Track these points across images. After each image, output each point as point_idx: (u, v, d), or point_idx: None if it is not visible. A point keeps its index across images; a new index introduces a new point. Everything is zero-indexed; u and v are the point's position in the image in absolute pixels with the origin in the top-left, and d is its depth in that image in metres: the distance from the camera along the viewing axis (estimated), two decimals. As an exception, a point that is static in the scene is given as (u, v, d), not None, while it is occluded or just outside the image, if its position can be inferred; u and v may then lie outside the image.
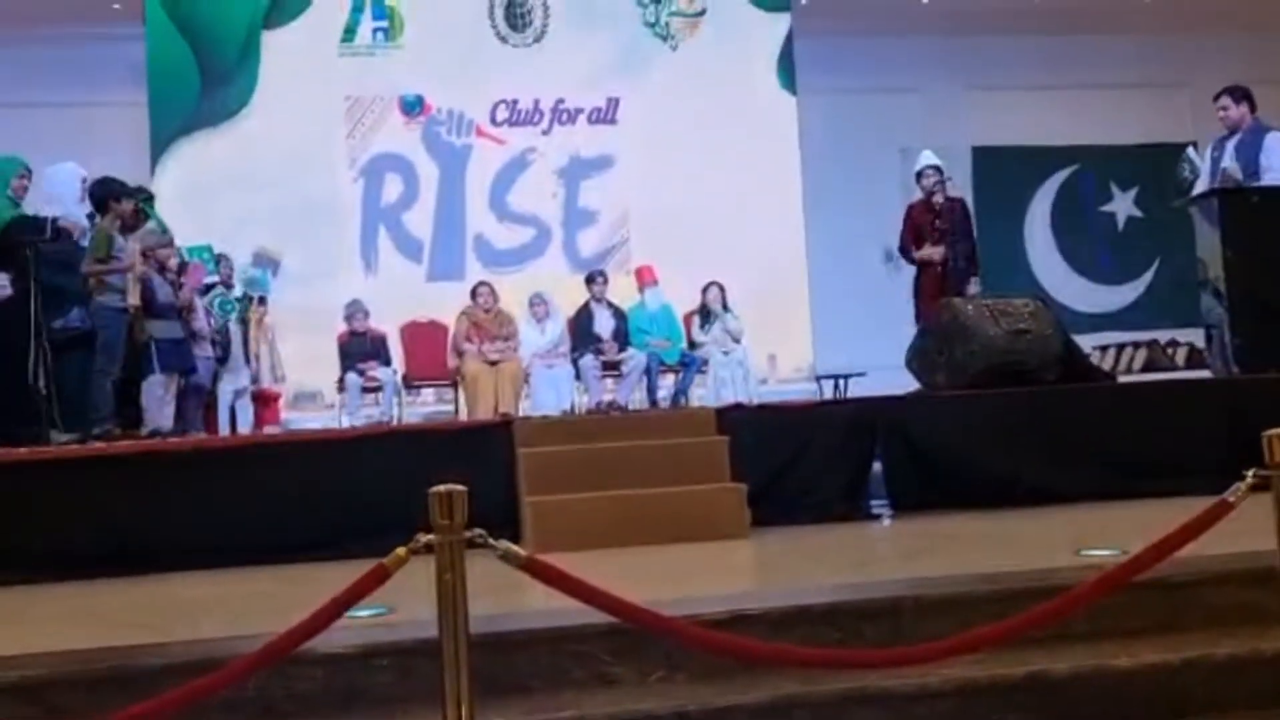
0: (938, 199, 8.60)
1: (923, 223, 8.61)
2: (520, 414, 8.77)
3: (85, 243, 7.08)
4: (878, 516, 5.56)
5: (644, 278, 10.71)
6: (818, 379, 11.51)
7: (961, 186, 10.11)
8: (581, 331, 10.14)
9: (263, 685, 2.82)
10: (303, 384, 10.77)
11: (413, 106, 11.81)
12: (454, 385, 10.09)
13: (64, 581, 4.60)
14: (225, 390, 8.86)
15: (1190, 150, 7.80)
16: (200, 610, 4.06)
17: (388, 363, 9.99)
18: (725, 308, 10.39)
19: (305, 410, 10.72)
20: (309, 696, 2.88)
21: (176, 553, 4.85)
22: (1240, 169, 6.90)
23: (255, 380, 9.48)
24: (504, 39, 11.97)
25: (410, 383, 10.31)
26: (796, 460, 5.56)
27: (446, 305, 10.51)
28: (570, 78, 11.95)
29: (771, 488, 5.38)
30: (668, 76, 12.10)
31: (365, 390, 9.75)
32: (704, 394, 9.96)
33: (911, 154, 9.15)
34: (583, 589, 2.47)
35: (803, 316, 12.00)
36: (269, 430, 9.12)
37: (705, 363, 10.11)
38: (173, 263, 7.83)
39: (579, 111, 12.05)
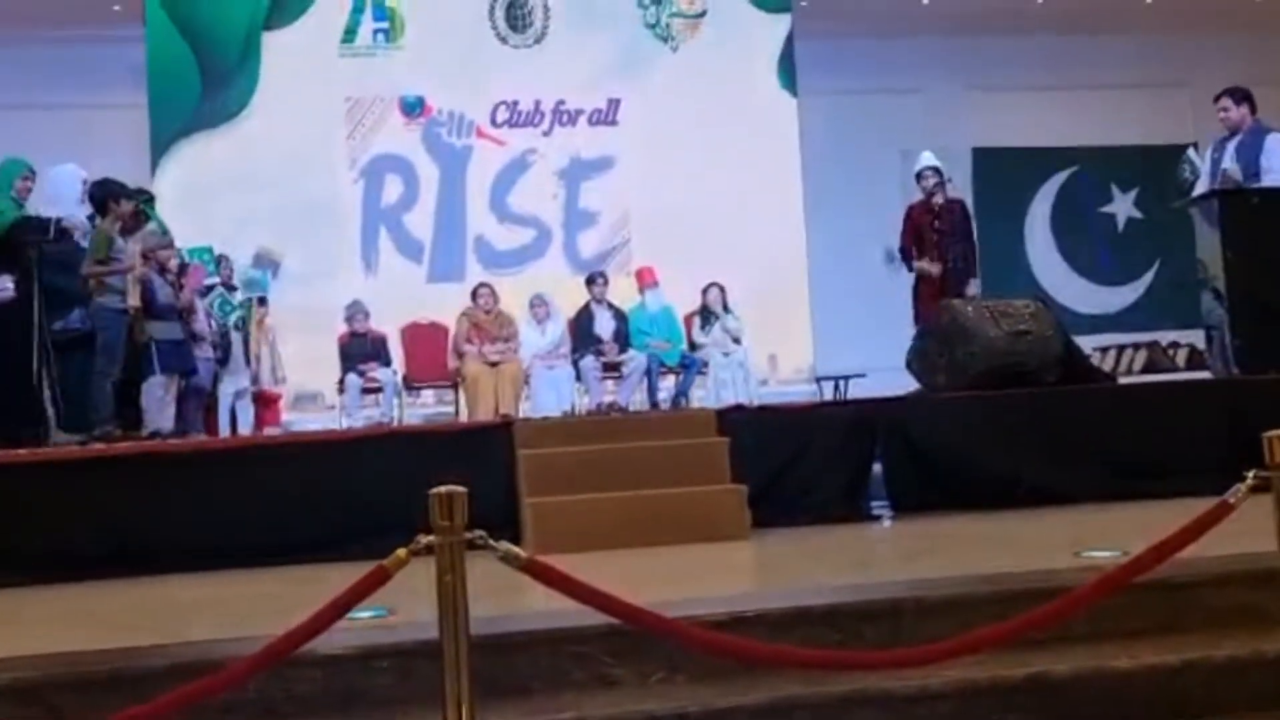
0: (937, 200, 8.61)
1: (922, 223, 8.62)
2: (520, 415, 8.77)
3: (85, 244, 7.08)
4: (878, 517, 5.56)
5: (644, 279, 10.71)
6: (818, 380, 11.51)
7: (962, 187, 10.11)
8: (582, 333, 10.14)
9: (262, 687, 2.82)
10: (303, 385, 10.77)
11: (413, 107, 11.81)
12: (454, 386, 10.09)
13: (63, 582, 4.61)
14: (225, 391, 8.85)
15: (1190, 151, 7.81)
16: (200, 611, 4.06)
17: (388, 364, 9.99)
18: (726, 309, 10.39)
19: (306, 411, 10.72)
20: (309, 698, 2.88)
21: (176, 554, 4.85)
22: (1240, 170, 6.90)
23: (255, 381, 9.48)
24: (504, 40, 11.97)
25: (410, 384, 10.31)
26: (797, 461, 5.56)
27: (447, 306, 10.52)
28: (571, 79, 11.96)
29: (772, 489, 5.38)
30: (668, 77, 12.10)
31: (365, 391, 9.75)
32: (704, 395, 9.97)
33: (912, 155, 9.16)
34: (583, 590, 2.47)
35: (803, 318, 12.00)
36: (269, 431, 9.11)
37: (705, 364, 10.11)
38: (173, 264, 7.83)
39: (579, 112, 12.06)
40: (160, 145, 11.26)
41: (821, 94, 12.44)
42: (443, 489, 2.44)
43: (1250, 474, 2.77)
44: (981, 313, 6.39)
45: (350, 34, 11.74)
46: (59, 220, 6.97)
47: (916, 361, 6.72)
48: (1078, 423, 5.78)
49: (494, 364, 9.63)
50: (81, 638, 3.38)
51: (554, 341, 10.22)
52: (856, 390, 10.47)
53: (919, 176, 8.74)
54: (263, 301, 10.13)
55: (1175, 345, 12.49)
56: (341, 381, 9.78)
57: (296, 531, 4.97)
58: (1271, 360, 6.20)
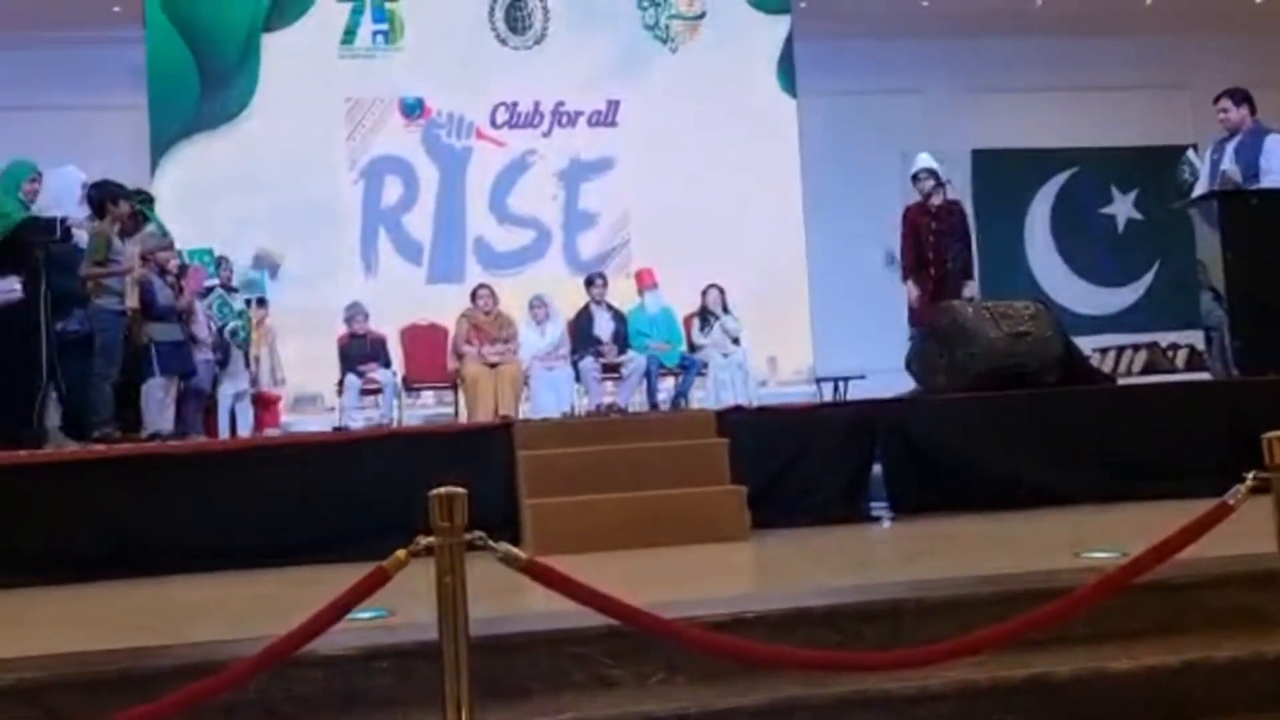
0: (934, 201, 8.62)
1: (920, 225, 8.63)
2: (520, 416, 8.77)
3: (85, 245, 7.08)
4: (878, 518, 5.56)
5: (644, 280, 10.72)
6: (817, 381, 11.52)
7: (961, 189, 10.12)
8: (581, 334, 10.14)
9: (263, 688, 2.82)
10: (303, 387, 10.77)
11: (413, 109, 11.81)
12: (454, 388, 10.09)
13: (64, 584, 4.61)
14: (225, 393, 8.85)
15: (1190, 152, 7.82)
16: (200, 613, 4.06)
17: (387, 365, 9.99)
18: (725, 310, 10.39)
19: (305, 413, 10.71)
20: (309, 699, 2.88)
21: (177, 555, 4.85)
22: (1240, 171, 6.90)
23: (255, 383, 9.48)
24: (504, 41, 11.97)
25: (410, 385, 10.31)
26: (796, 462, 5.55)
27: (446, 307, 10.52)
28: (570, 80, 11.96)
29: (771, 490, 5.38)
30: (668, 79, 12.10)
31: (365, 392, 9.74)
32: (704, 396, 9.97)
33: (911, 156, 9.15)
34: (583, 591, 2.47)
35: (803, 319, 12.00)
36: (269, 433, 9.11)
37: (705, 365, 10.12)
38: (173, 265, 7.83)
39: (579, 114, 12.06)
40: (160, 146, 11.26)
41: (821, 95, 12.44)
42: (442, 490, 2.44)
43: (1250, 475, 2.77)
44: (981, 314, 6.39)
45: (350, 35, 11.74)
46: (64, 220, 6.96)
47: (916, 362, 6.73)
48: (1077, 424, 5.78)
49: (493, 365, 9.63)
50: (82, 639, 3.38)
51: (553, 343, 10.22)
52: (856, 391, 10.48)
53: (915, 178, 8.75)
54: (262, 303, 10.14)
55: (1175, 346, 12.49)
56: (341, 383, 9.78)
57: (296, 533, 4.97)
58: (1271, 361, 6.20)
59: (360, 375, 9.70)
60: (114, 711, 2.44)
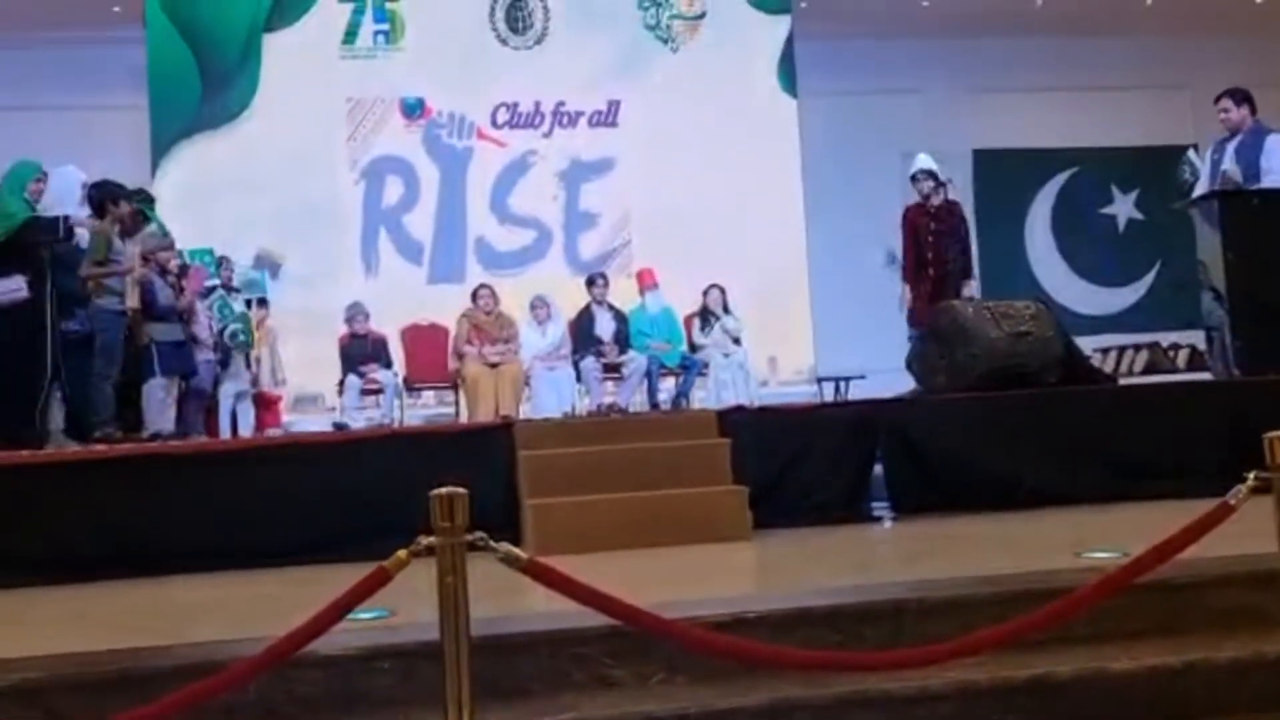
0: (934, 201, 8.62)
1: (919, 226, 8.64)
2: (521, 416, 8.76)
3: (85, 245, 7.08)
4: (879, 519, 5.56)
5: (645, 280, 10.72)
6: (818, 381, 11.52)
7: (962, 189, 10.12)
8: (582, 334, 10.13)
9: (264, 688, 2.82)
10: (304, 387, 10.77)
11: (413, 109, 11.82)
12: (454, 388, 10.09)
13: (64, 584, 4.60)
14: (226, 393, 8.85)
15: (1191, 153, 7.81)
16: (201, 613, 4.06)
17: (388, 365, 9.98)
18: (726, 310, 10.39)
19: (306, 413, 10.71)
20: (310, 699, 2.88)
21: (177, 555, 4.84)
22: (1240, 171, 6.89)
23: (256, 383, 9.48)
24: (505, 41, 11.98)
25: (411, 385, 10.30)
26: (798, 462, 5.55)
27: (447, 308, 10.52)
28: (571, 80, 11.96)
29: (773, 490, 5.38)
30: (668, 79, 12.10)
31: (366, 393, 9.74)
32: (705, 396, 9.97)
33: (912, 156, 9.15)
34: (583, 591, 2.47)
35: (803, 319, 12.00)
36: (270, 433, 9.11)
37: (706, 365, 10.11)
38: (174, 265, 7.83)
39: (580, 114, 12.06)
40: (161, 147, 11.26)
41: (821, 95, 12.45)
42: (443, 490, 2.44)
43: (1251, 475, 2.77)
44: (982, 314, 6.39)
45: (351, 35, 11.74)
46: (66, 218, 6.96)
47: (917, 363, 6.73)
48: (1078, 424, 5.78)
49: (494, 365, 9.63)
50: (83, 639, 3.38)
51: (554, 343, 10.22)
52: (857, 391, 10.48)
53: (913, 179, 8.75)
54: (263, 303, 10.14)
55: (1176, 346, 12.49)
56: (342, 383, 9.78)
57: (297, 533, 4.97)
58: (1272, 361, 6.20)
59: (361, 375, 9.70)
60: (114, 712, 2.44)
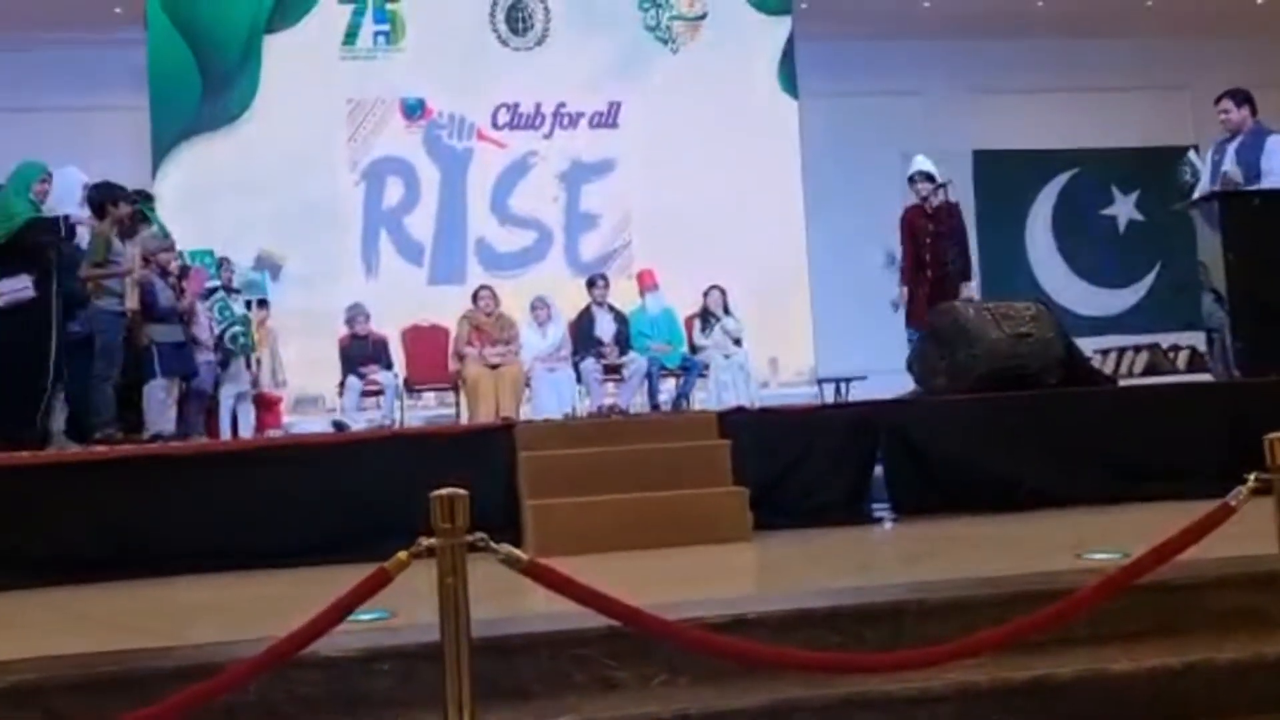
0: (932, 202, 8.62)
1: (918, 227, 8.64)
2: (521, 417, 8.76)
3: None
4: (879, 520, 5.56)
5: (645, 281, 10.72)
6: (819, 382, 11.52)
7: (962, 190, 10.12)
8: (583, 335, 10.14)
9: (264, 689, 2.82)
10: (304, 388, 10.77)
11: (414, 110, 11.82)
12: (455, 389, 10.09)
13: (65, 585, 4.60)
14: (226, 394, 8.85)
15: (1191, 153, 7.81)
16: (202, 614, 4.06)
17: (389, 366, 9.99)
18: (726, 311, 10.39)
19: (307, 414, 10.72)
20: (310, 700, 2.88)
21: (178, 556, 4.84)
22: (1241, 172, 6.89)
23: (256, 384, 9.48)
24: (505, 42, 11.98)
25: (411, 386, 10.31)
26: (798, 464, 5.55)
27: (448, 309, 10.52)
28: (571, 81, 11.97)
29: (773, 491, 5.37)
30: (669, 80, 12.11)
31: (366, 394, 9.75)
32: (705, 397, 9.97)
33: (913, 157, 9.15)
34: (584, 592, 2.47)
35: (804, 320, 12.01)
36: (270, 434, 9.11)
37: (706, 366, 10.11)
38: (174, 266, 7.83)
39: (580, 115, 12.07)
40: (161, 148, 11.27)
41: (822, 96, 12.45)
42: (444, 491, 2.44)
43: (1251, 476, 2.77)
44: (983, 315, 6.38)
45: (351, 36, 11.74)
46: (67, 217, 6.96)
47: (917, 364, 6.72)
48: (1079, 425, 5.77)
49: (495, 366, 9.63)
50: (83, 640, 3.39)
51: (555, 344, 10.22)
52: (857, 392, 10.49)
53: (911, 181, 8.75)
54: (264, 304, 10.13)
55: (1176, 348, 12.50)
56: (342, 384, 9.78)
57: (297, 534, 4.97)
58: (1272, 363, 6.19)
59: (361, 376, 9.70)
60: (115, 713, 2.44)
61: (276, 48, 11.58)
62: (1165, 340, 12.60)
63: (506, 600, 3.20)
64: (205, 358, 8.14)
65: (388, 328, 10.37)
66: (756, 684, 2.92)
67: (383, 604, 2.65)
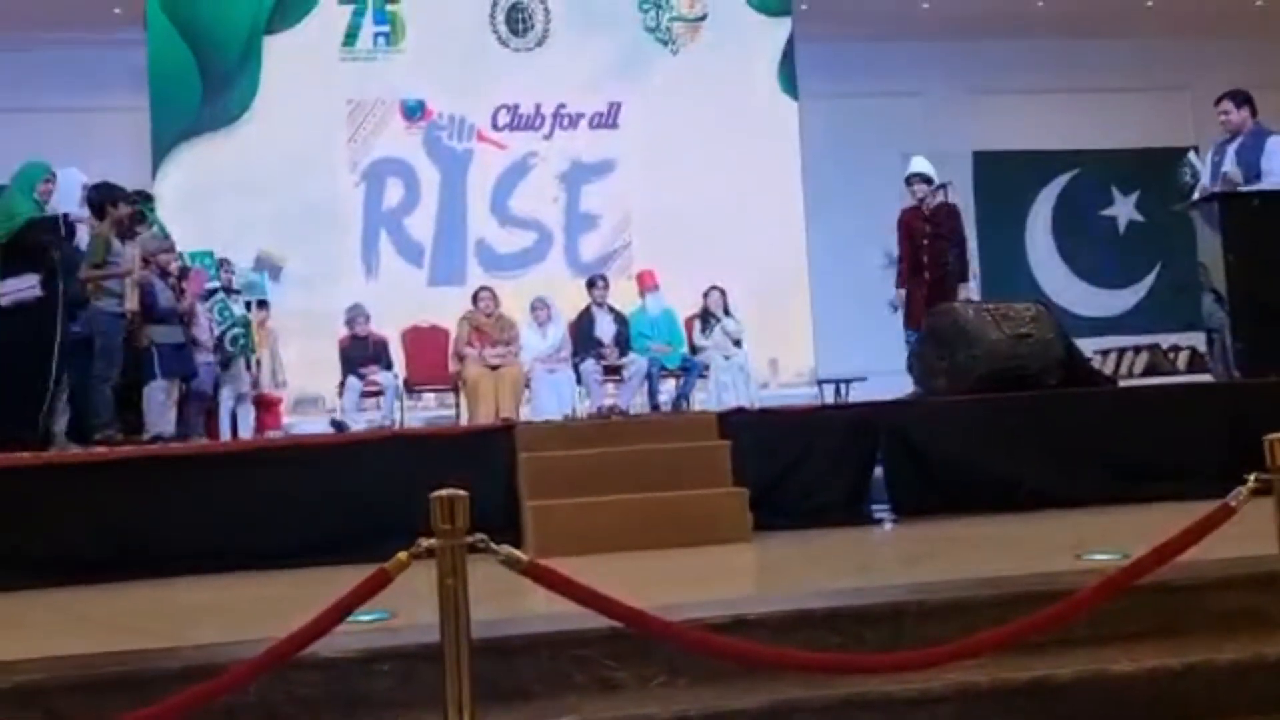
0: (929, 204, 8.62)
1: (915, 229, 8.64)
2: (521, 418, 8.76)
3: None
4: (879, 521, 5.55)
5: (645, 282, 10.72)
6: (819, 383, 11.52)
7: (962, 191, 10.12)
8: (583, 336, 10.13)
9: (264, 690, 2.82)
10: (304, 389, 10.78)
11: (414, 111, 11.82)
12: (455, 390, 10.09)
13: (65, 586, 4.60)
14: (226, 395, 8.85)
15: (1191, 154, 7.81)
16: (202, 614, 4.06)
17: (389, 367, 9.98)
18: (726, 311, 10.39)
19: (307, 415, 10.72)
20: (310, 701, 2.88)
21: (178, 557, 4.85)
22: (1241, 173, 6.89)
23: (256, 385, 9.48)
24: (505, 43, 11.98)
25: (411, 387, 10.31)
26: (798, 464, 5.55)
27: (448, 309, 10.52)
28: (571, 82, 11.97)
29: (773, 492, 5.37)
30: (669, 81, 12.11)
31: (366, 394, 9.74)
32: (705, 398, 9.97)
33: (911, 159, 9.15)
34: (584, 593, 2.47)
35: (804, 321, 12.01)
36: (270, 435, 9.11)
37: (706, 367, 10.11)
38: (174, 267, 7.83)
39: (580, 116, 12.07)
40: (161, 148, 11.27)
41: (822, 97, 12.45)
42: (444, 492, 2.44)
43: (1251, 477, 2.77)
44: (983, 316, 6.39)
45: (351, 37, 11.74)
46: (66, 216, 6.96)
47: (917, 365, 6.73)
48: (1079, 426, 5.77)
49: (495, 367, 9.62)
50: (84, 641, 3.39)
51: (555, 345, 10.22)
52: (857, 393, 10.49)
53: (907, 182, 8.75)
54: (264, 305, 10.13)
55: (1176, 348, 12.50)
56: (342, 385, 9.78)
57: (297, 535, 4.97)
58: (1273, 363, 6.19)
59: (361, 377, 9.70)
60: (115, 714, 2.44)
61: (276, 48, 11.58)
62: (1165, 341, 12.61)
63: (506, 601, 3.20)
64: (205, 359, 8.14)
65: (388, 328, 10.37)
66: (756, 685, 2.92)
67: (383, 605, 2.65)
